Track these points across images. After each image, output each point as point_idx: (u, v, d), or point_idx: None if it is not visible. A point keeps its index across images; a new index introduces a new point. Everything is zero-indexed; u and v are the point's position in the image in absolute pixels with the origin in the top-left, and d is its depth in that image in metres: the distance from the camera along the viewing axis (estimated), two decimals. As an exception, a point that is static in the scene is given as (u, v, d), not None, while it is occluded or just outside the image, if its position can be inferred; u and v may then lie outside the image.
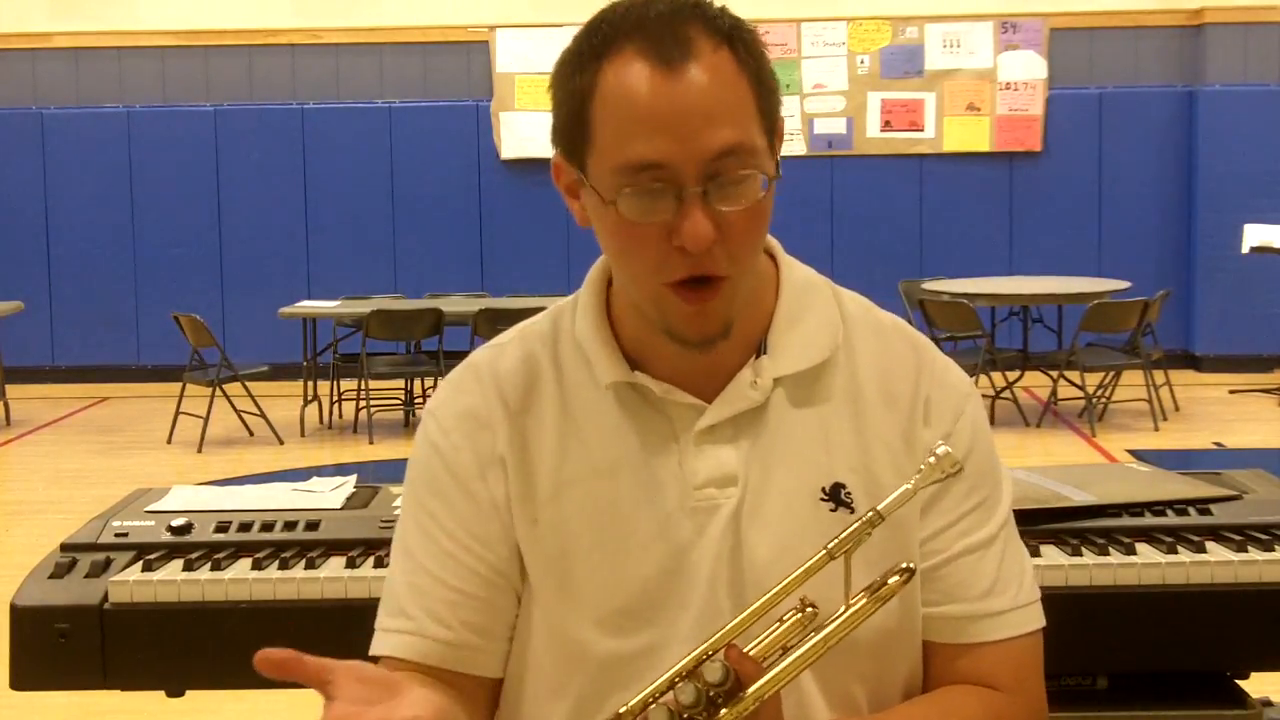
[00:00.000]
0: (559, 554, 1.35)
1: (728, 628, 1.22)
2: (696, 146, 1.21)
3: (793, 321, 1.37)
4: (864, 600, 1.25)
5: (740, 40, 1.25)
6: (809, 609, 1.24)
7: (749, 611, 1.22)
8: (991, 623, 1.36)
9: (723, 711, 1.18)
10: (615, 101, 1.23)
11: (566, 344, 1.40)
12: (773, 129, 1.28)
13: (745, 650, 1.21)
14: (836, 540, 1.22)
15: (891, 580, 1.25)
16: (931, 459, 1.24)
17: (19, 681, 2.01)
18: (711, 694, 1.17)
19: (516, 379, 1.39)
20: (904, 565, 1.27)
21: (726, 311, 1.28)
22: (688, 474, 1.33)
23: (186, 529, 2.13)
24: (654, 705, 1.19)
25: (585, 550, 1.34)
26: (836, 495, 1.33)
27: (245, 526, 2.14)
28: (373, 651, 1.38)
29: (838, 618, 1.23)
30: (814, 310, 1.38)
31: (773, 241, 1.40)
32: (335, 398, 9.03)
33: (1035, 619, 1.39)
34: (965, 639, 1.37)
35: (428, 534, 1.38)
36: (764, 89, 1.26)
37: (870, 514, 1.23)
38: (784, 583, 1.23)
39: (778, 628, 1.24)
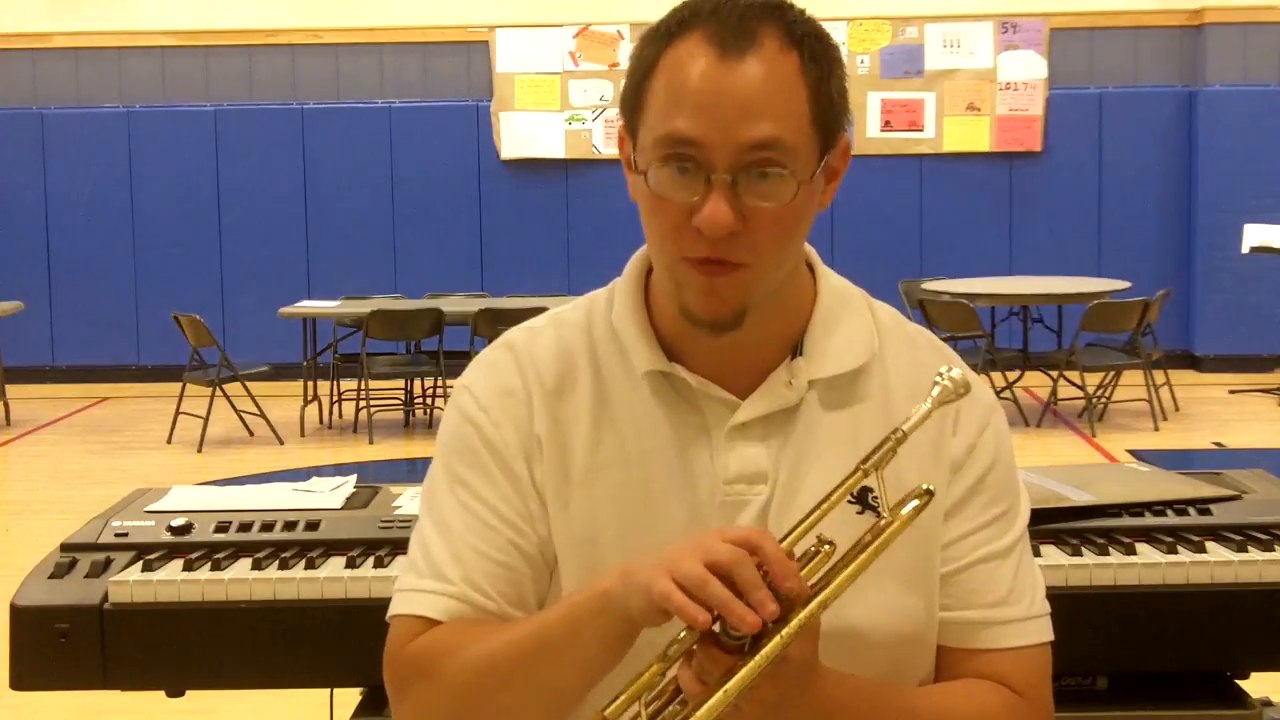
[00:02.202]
0: (587, 539, 1.35)
1: (782, 542, 1.19)
2: (733, 134, 1.23)
3: (829, 327, 1.39)
4: (896, 513, 1.23)
5: (810, 49, 1.27)
6: (827, 546, 1.22)
7: (802, 525, 1.20)
8: (1004, 630, 1.38)
9: (790, 615, 1.16)
10: (670, 76, 1.27)
11: (601, 332, 1.41)
12: (827, 143, 1.29)
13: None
14: (867, 457, 1.22)
15: (914, 503, 1.24)
16: (947, 383, 1.24)
17: (19, 681, 2.01)
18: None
19: (552, 363, 1.40)
20: (925, 487, 1.25)
21: (740, 299, 1.29)
22: (719, 468, 1.35)
23: (186, 529, 2.13)
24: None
25: (614, 536, 1.35)
26: (864, 499, 1.34)
27: (245, 526, 2.14)
28: (402, 610, 1.36)
29: (877, 535, 1.22)
30: (850, 318, 1.40)
31: (811, 251, 1.42)
32: (335, 398, 9.03)
33: (1046, 631, 1.41)
34: (978, 644, 1.38)
35: (466, 507, 1.37)
36: (824, 101, 1.27)
37: (896, 432, 1.23)
38: (827, 500, 1.21)
39: (802, 564, 1.22)
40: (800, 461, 1.35)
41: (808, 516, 1.22)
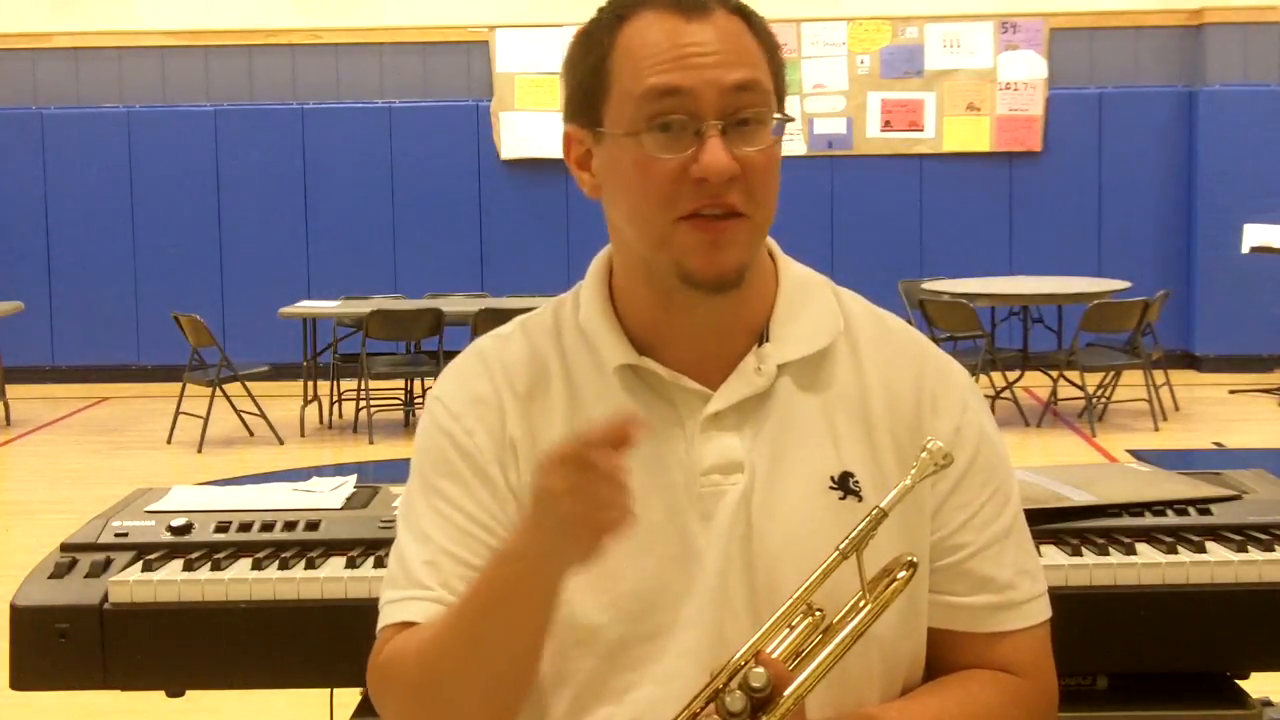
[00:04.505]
0: None
1: (755, 638, 1.24)
2: (715, 77, 1.27)
3: (794, 311, 1.40)
4: (877, 597, 1.27)
5: (752, 19, 1.33)
6: (816, 613, 1.26)
7: (772, 621, 1.25)
8: (1016, 612, 1.39)
9: (762, 716, 1.21)
10: (636, 47, 1.29)
11: (569, 333, 1.42)
12: (780, 97, 1.33)
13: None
14: (847, 540, 1.25)
15: (900, 575, 1.29)
16: (924, 454, 1.28)
17: (19, 681, 2.01)
18: (754, 700, 1.21)
19: (522, 367, 1.40)
20: (908, 559, 1.29)
21: (741, 253, 1.31)
22: (694, 460, 1.35)
23: (186, 529, 2.13)
24: (702, 714, 1.22)
25: None
26: (845, 484, 1.35)
27: (245, 526, 2.14)
28: (384, 622, 1.38)
29: (859, 613, 1.26)
30: (814, 301, 1.41)
31: (772, 241, 1.43)
32: (335, 398, 9.03)
33: (1048, 609, 1.43)
34: (991, 628, 1.39)
35: (442, 515, 1.38)
36: (774, 61, 1.33)
37: (875, 511, 1.26)
38: (803, 587, 1.25)
39: (789, 634, 1.26)
40: (778, 448, 1.36)
41: (803, 587, 1.25)
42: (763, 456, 1.35)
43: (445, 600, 1.35)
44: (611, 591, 1.34)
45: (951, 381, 1.41)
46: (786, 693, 1.21)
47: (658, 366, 1.36)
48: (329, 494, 2.27)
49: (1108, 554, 1.99)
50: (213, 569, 2.03)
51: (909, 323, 1.51)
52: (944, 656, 1.41)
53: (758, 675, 1.20)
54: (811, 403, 1.37)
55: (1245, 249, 9.21)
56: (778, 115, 1.30)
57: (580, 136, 1.35)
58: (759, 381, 1.36)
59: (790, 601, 1.25)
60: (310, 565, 2.03)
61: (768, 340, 1.38)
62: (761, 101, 1.29)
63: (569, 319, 1.42)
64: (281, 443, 8.39)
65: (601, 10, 1.34)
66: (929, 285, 9.00)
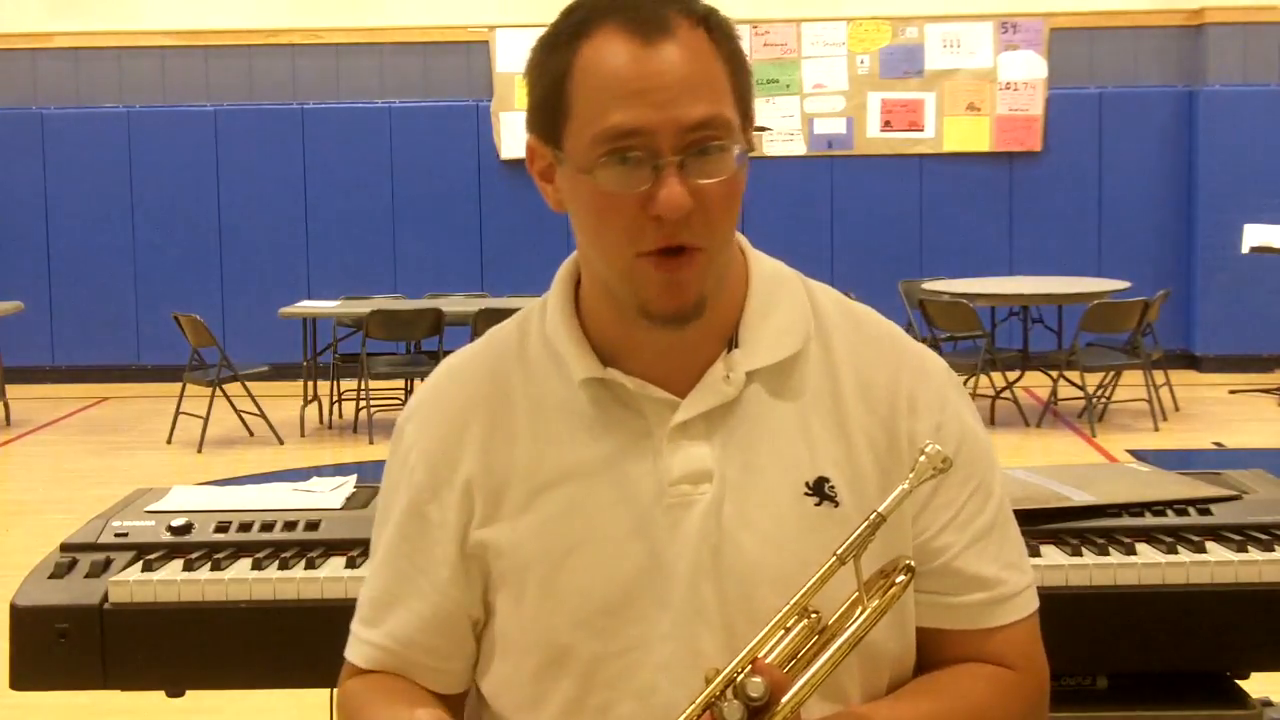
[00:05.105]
0: (539, 558, 1.34)
1: (750, 646, 1.22)
2: (674, 115, 1.23)
3: (764, 314, 1.37)
4: (876, 602, 1.26)
5: (715, 23, 1.29)
6: (812, 615, 1.24)
7: (770, 626, 1.23)
8: (1006, 606, 1.38)
9: (771, 710, 1.19)
10: (594, 74, 1.26)
11: (536, 346, 1.40)
12: (746, 112, 1.30)
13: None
14: (845, 545, 1.23)
15: (899, 579, 1.27)
16: (922, 458, 1.26)
17: (19, 681, 2.01)
18: (751, 708, 1.19)
19: (485, 386, 1.39)
20: (905, 563, 1.28)
21: (700, 285, 1.28)
22: (662, 471, 1.33)
23: (186, 529, 2.13)
24: None
25: (565, 552, 1.34)
26: (820, 489, 1.33)
27: (245, 526, 2.14)
28: (345, 654, 1.44)
29: (856, 618, 1.25)
30: (785, 302, 1.39)
31: (741, 237, 1.41)
32: (335, 398, 9.03)
33: (1036, 597, 1.42)
34: (983, 624, 1.38)
35: (389, 547, 1.42)
36: (737, 70, 1.29)
37: (874, 516, 1.24)
38: (801, 592, 1.23)
39: (784, 636, 1.24)
40: (749, 456, 1.34)
41: (801, 592, 1.23)
42: (733, 465, 1.33)
43: (387, 647, 1.40)
44: (582, 609, 1.33)
45: (929, 378, 1.39)
46: (784, 700, 1.20)
47: (624, 378, 1.34)
48: (329, 494, 2.28)
49: (1108, 554, 1.99)
50: (213, 569, 2.03)
51: (910, 323, 1.50)
52: (935, 653, 1.39)
53: (755, 684, 1.18)
54: (783, 408, 1.35)
55: (1245, 249, 9.21)
56: (740, 146, 1.27)
57: (543, 151, 1.33)
58: (727, 390, 1.34)
59: (786, 608, 1.23)
60: (310, 565, 2.03)
61: (737, 346, 1.36)
62: (723, 134, 1.25)
63: (535, 331, 1.41)
64: (281, 443, 8.39)
65: (563, 14, 1.31)
66: (929, 285, 8.99)
